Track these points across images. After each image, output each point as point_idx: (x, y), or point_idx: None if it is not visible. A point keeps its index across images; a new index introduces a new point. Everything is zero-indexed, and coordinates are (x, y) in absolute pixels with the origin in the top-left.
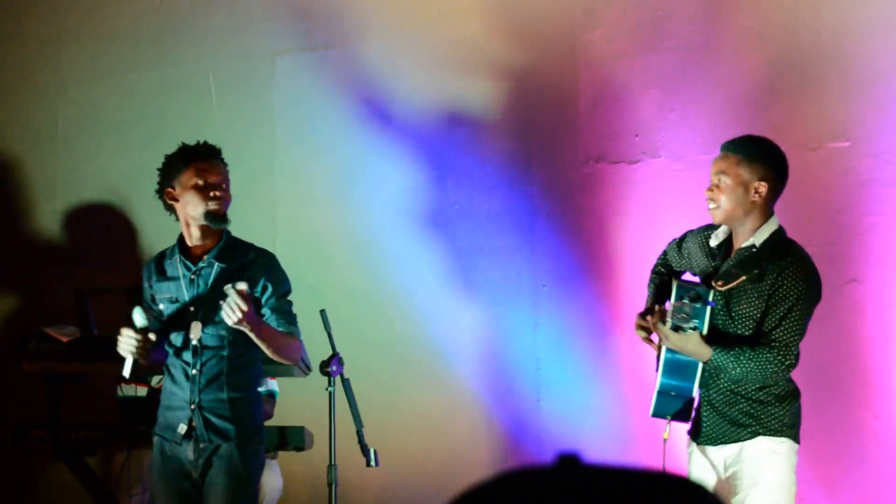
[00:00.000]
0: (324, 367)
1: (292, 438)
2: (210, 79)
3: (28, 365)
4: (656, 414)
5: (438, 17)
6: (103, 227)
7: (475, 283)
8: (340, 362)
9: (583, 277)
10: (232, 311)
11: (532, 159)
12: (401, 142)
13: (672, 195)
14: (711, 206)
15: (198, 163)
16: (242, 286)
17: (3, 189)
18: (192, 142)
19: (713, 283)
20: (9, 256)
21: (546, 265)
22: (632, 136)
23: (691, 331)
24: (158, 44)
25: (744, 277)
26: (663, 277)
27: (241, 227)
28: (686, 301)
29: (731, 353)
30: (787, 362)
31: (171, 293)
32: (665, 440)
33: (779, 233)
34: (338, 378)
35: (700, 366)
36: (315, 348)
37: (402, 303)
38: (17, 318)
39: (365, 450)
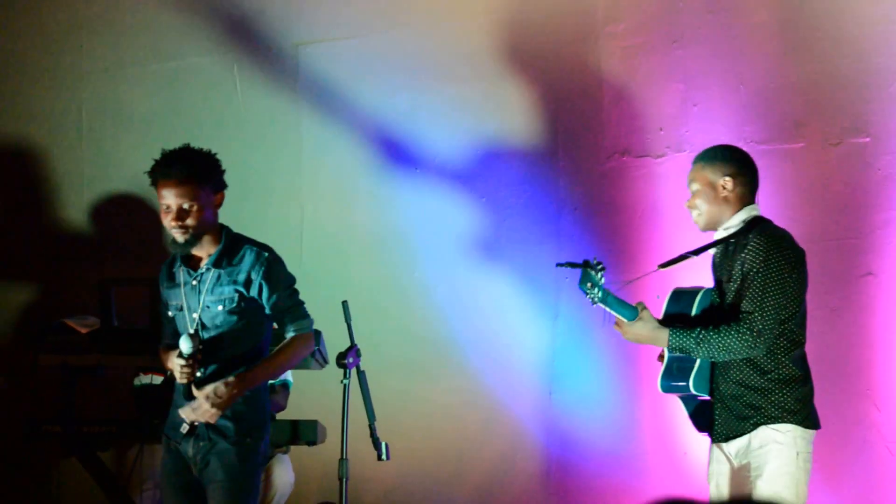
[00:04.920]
0: (340, 358)
1: (305, 432)
2: (234, 69)
3: (44, 358)
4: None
5: (462, 9)
6: (128, 218)
7: (499, 276)
8: (358, 354)
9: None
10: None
11: (557, 153)
12: (426, 135)
13: None
14: (694, 214)
15: (161, 184)
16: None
17: (29, 180)
18: (217, 132)
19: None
20: (34, 247)
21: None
22: (656, 130)
23: (639, 314)
24: (181, 34)
25: (687, 251)
26: None
27: (269, 217)
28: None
29: (692, 333)
30: (754, 329)
31: (179, 300)
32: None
33: (753, 219)
34: (353, 370)
35: (697, 364)
36: (334, 340)
37: (426, 295)
38: (40, 310)
39: (377, 444)
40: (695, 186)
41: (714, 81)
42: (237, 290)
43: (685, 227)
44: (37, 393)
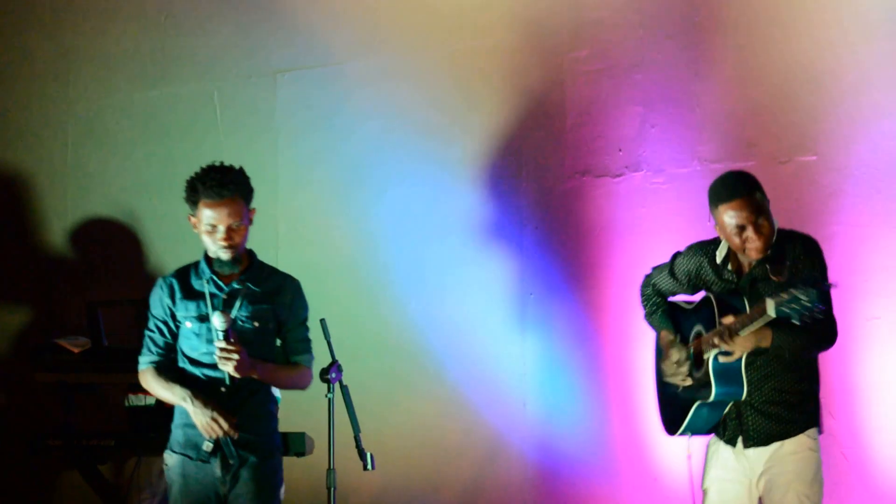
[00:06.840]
0: (324, 374)
1: (294, 444)
2: (214, 96)
3: (41, 375)
4: (686, 431)
5: (432, 37)
6: (112, 241)
7: (467, 291)
8: (339, 369)
9: (569, 286)
10: (226, 361)
11: (521, 173)
12: (397, 157)
13: (653, 207)
14: (756, 244)
15: (208, 204)
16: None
17: (15, 205)
18: (198, 158)
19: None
20: (22, 271)
21: (534, 275)
22: (615, 151)
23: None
24: (163, 63)
25: (788, 262)
26: (664, 306)
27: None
28: (794, 290)
29: (788, 330)
30: (835, 330)
31: (201, 311)
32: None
33: (779, 229)
34: (337, 385)
35: (744, 373)
36: (316, 356)
37: (399, 311)
38: (30, 331)
39: (362, 454)
40: (762, 220)
41: (671, 104)
42: (273, 310)
43: (641, 242)
44: (39, 408)
